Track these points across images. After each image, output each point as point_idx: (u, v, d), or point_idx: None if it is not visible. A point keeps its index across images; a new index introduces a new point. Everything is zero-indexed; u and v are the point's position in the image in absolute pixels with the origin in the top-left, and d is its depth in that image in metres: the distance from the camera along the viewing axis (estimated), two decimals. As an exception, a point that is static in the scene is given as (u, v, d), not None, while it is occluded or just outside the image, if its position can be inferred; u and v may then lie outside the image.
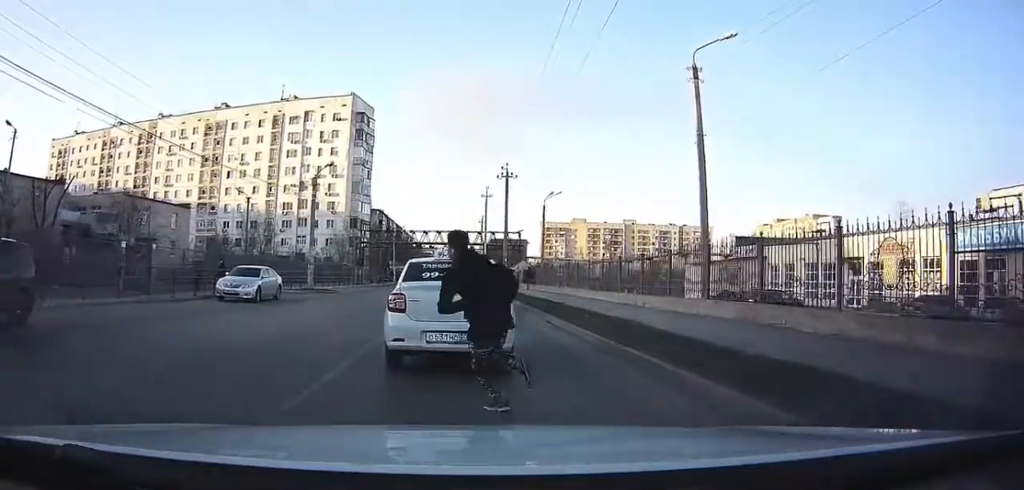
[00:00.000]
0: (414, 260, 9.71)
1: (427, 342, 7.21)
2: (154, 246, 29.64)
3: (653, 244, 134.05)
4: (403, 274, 8.55)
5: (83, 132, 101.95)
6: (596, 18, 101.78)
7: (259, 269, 26.04)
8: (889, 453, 1.69)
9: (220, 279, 23.82)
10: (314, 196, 40.23)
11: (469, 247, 6.02)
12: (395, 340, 7.45)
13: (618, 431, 2.90)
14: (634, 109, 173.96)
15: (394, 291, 7.92)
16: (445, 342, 7.01)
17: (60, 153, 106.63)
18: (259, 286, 23.25)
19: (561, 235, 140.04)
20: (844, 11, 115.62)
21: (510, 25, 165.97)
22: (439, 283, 5.85)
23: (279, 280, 26.80)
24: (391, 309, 7.51)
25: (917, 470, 1.50)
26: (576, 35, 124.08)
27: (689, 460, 1.78)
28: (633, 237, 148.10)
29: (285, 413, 5.35)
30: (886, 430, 2.79)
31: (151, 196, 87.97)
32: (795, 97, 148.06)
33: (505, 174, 48.08)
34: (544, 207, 51.44)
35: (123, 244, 28.73)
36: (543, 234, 52.28)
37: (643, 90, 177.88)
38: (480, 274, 5.81)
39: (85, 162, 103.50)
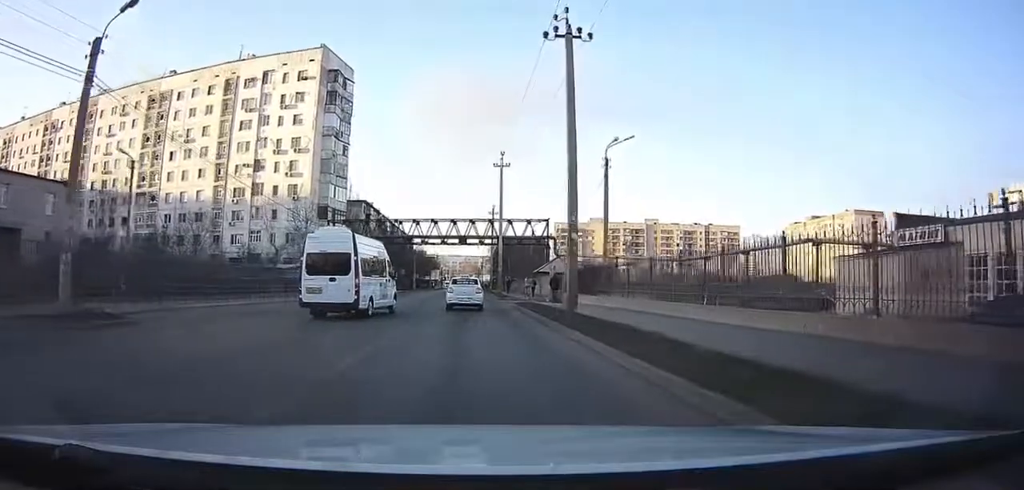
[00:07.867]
0: (457, 277, 38.30)
1: (457, 301, 24.59)
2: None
3: (677, 245, 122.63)
4: (450, 281, 32.54)
5: (27, 118, 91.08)
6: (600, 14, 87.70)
7: None
8: (889, 453, 1.62)
9: None
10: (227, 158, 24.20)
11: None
12: (449, 302, 24.78)
13: (618, 431, 3.00)
14: (640, 110, 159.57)
15: (449, 286, 28.41)
16: (463, 301, 24.50)
17: (4, 143, 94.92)
18: None
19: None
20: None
21: (515, 8, 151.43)
22: (464, 286, 27.06)
23: None
24: (448, 292, 26.58)
25: (917, 470, 1.48)
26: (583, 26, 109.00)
27: (689, 460, 1.73)
28: (656, 237, 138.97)
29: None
30: (886, 430, 2.35)
31: (88, 185, 73.05)
32: (801, 96, 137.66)
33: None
34: (606, 161, 30.72)
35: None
36: (606, 208, 33.39)
37: (648, 89, 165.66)
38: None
39: (27, 151, 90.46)
